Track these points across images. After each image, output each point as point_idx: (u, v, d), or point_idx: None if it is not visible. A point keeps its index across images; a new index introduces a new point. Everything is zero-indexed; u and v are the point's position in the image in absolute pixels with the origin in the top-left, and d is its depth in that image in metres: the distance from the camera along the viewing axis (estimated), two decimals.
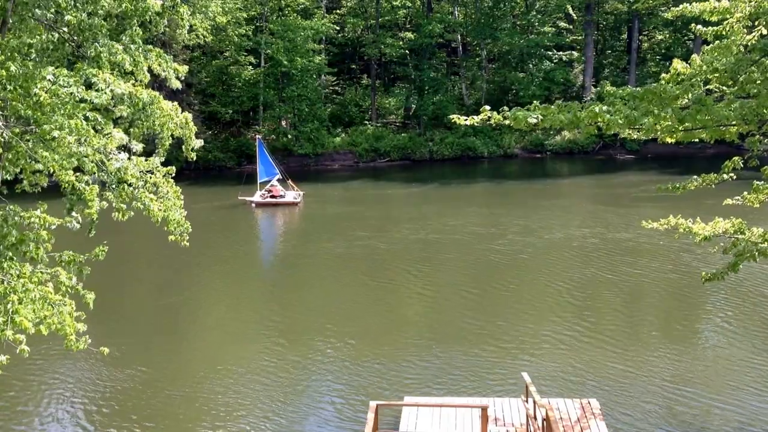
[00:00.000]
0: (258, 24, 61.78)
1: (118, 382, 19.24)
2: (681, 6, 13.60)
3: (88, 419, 17.40)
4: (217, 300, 26.79)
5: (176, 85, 10.84)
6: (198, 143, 11.08)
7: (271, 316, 24.50)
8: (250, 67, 61.91)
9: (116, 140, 10.21)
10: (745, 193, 14.81)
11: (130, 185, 10.62)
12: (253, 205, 44.01)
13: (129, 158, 10.56)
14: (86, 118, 9.88)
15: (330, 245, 34.02)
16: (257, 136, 50.13)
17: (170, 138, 10.77)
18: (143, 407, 17.88)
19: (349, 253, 32.72)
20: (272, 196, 44.73)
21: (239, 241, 36.53)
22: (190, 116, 10.88)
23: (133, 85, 10.33)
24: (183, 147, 10.94)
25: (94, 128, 10.04)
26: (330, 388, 18.81)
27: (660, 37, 75.29)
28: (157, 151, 10.84)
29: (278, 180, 46.10)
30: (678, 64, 12.98)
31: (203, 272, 30.30)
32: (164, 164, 11.04)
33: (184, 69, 11.01)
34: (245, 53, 61.77)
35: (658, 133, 12.63)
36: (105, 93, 9.79)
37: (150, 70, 10.72)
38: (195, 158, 11.04)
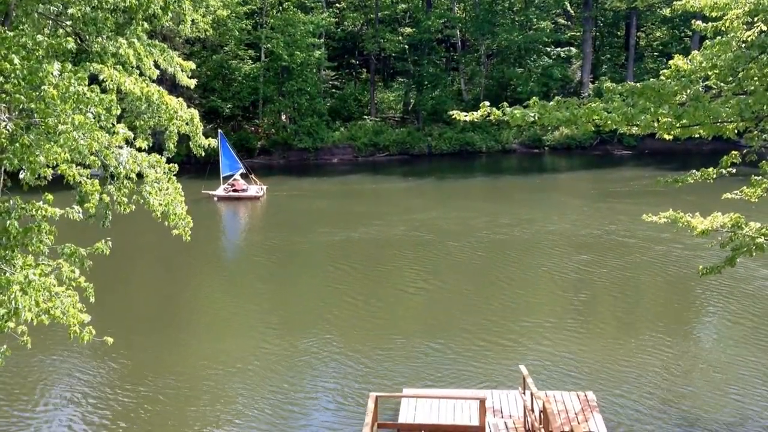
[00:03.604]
0: (258, 18, 61.78)
1: (109, 373, 19.37)
2: (683, 0, 13.70)
3: (81, 411, 17.49)
4: (205, 294, 26.79)
5: (187, 82, 10.93)
6: (209, 142, 11.16)
7: (263, 310, 24.59)
8: (250, 61, 61.92)
9: (121, 136, 10.29)
10: (745, 187, 14.95)
11: (130, 179, 10.72)
12: (216, 198, 44.04)
13: (132, 153, 10.65)
14: (90, 112, 9.96)
15: (314, 238, 34.11)
16: (219, 130, 49.90)
17: (176, 134, 10.86)
18: (140, 401, 17.97)
19: (334, 246, 32.88)
20: (234, 190, 44.83)
21: (211, 235, 36.04)
22: (196, 112, 10.97)
23: (136, 81, 10.40)
24: (190, 143, 11.03)
25: (98, 122, 10.12)
26: (329, 379, 18.93)
27: (658, 34, 75.33)
28: (167, 147, 10.92)
29: (241, 174, 46.15)
30: (679, 60, 13.07)
31: (186, 266, 30.33)
32: (168, 160, 11.14)
33: (190, 65, 11.07)
34: (245, 48, 61.79)
35: (656, 129, 12.74)
36: (111, 92, 9.85)
37: (155, 65, 10.79)
38: (203, 154, 11.14)
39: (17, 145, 9.72)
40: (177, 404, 17.82)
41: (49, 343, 20.29)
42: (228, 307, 25.11)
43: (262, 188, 45.65)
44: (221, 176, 45.80)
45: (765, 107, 12.14)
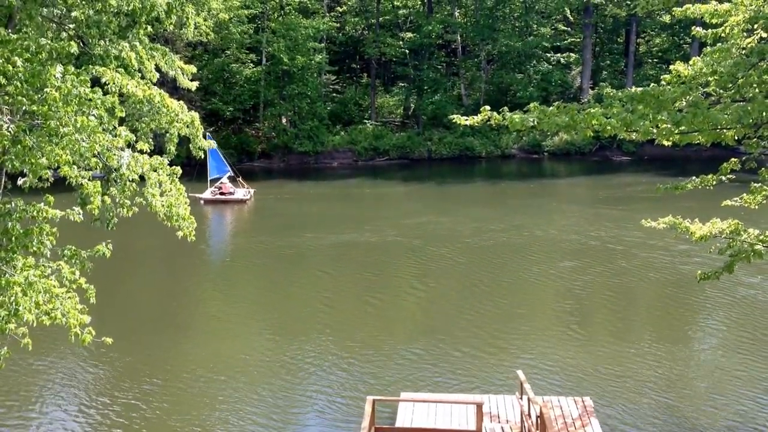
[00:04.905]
0: (259, 22, 61.94)
1: (105, 375, 19.39)
2: (684, 6, 13.76)
3: (79, 412, 17.49)
4: (199, 297, 26.77)
5: (188, 85, 10.97)
6: (209, 144, 11.21)
7: (257, 313, 24.58)
8: (252, 64, 62.05)
9: (123, 138, 10.32)
10: (744, 194, 15.00)
11: (133, 181, 10.76)
12: (202, 201, 43.80)
13: (133, 156, 10.69)
14: (93, 115, 9.99)
15: (302, 243, 34.07)
16: (207, 132, 49.42)
17: (177, 137, 10.89)
18: (135, 403, 17.96)
19: (331, 248, 32.93)
20: (221, 193, 44.77)
21: (201, 238, 35.74)
22: (196, 115, 11.01)
23: (138, 83, 10.44)
24: (190, 145, 11.07)
25: (100, 125, 10.15)
26: (326, 383, 18.92)
27: (657, 41, 75.45)
28: (168, 150, 10.95)
29: (228, 177, 46.07)
30: (679, 66, 13.11)
31: (178, 269, 30.36)
32: (169, 163, 11.18)
33: (191, 68, 11.12)
34: (246, 51, 61.92)
35: (655, 135, 12.78)
36: (113, 95, 9.89)
37: (156, 68, 10.83)
38: (202, 156, 11.20)
39: (19, 147, 9.74)
40: (173, 407, 17.81)
41: (48, 345, 20.29)
42: (222, 310, 25.09)
43: (249, 191, 45.58)
44: (208, 179, 45.65)
45: (764, 114, 12.17)
